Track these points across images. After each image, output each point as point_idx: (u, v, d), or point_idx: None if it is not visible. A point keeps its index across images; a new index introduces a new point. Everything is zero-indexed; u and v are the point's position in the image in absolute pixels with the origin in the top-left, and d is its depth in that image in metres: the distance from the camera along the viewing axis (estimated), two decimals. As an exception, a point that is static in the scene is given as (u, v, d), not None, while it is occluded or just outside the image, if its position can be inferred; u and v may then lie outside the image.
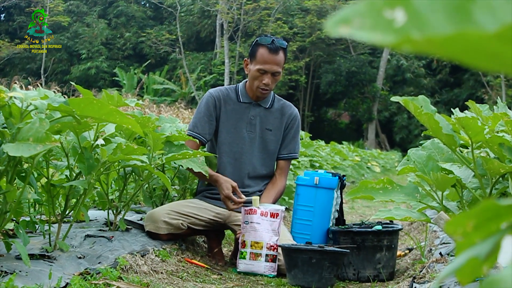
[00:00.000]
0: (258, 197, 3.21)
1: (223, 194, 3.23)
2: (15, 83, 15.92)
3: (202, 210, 3.32)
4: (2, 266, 2.05)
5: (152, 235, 3.16)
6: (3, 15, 36.73)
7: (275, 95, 3.55)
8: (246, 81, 3.48)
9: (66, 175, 2.69)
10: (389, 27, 0.43)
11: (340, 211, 3.48)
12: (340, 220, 3.46)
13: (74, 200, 2.70)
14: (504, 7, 0.42)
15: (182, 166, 3.43)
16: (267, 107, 3.46)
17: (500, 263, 1.73)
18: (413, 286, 2.46)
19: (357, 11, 0.44)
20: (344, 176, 3.51)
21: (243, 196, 3.25)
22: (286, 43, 3.37)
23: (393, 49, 0.44)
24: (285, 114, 3.49)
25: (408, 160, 2.81)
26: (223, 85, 30.12)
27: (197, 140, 3.33)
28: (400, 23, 0.43)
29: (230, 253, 3.65)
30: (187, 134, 3.35)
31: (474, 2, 0.42)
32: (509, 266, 0.46)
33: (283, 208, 3.19)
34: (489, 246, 0.49)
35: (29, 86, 13.29)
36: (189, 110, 20.08)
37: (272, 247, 3.11)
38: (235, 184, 3.25)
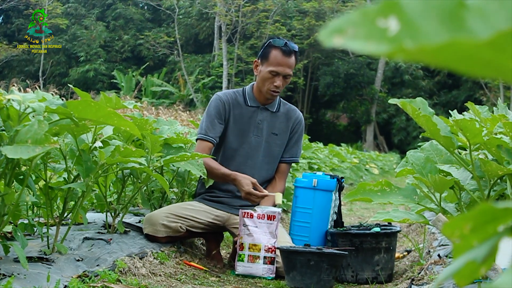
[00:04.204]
0: (281, 194, 3.21)
1: (244, 191, 3.17)
2: (13, 85, 15.91)
3: (201, 212, 3.31)
4: (0, 269, 2.05)
5: (151, 238, 3.16)
6: (1, 17, 36.72)
7: (281, 99, 3.54)
8: (253, 85, 3.45)
9: (64, 178, 2.69)
10: (383, 36, 0.43)
11: (339, 213, 3.48)
12: (338, 222, 3.46)
13: (72, 202, 2.70)
14: (497, 14, 0.42)
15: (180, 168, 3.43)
16: (274, 111, 3.45)
17: (497, 264, 1.74)
18: (412, 288, 2.46)
19: (350, 21, 0.44)
20: (342, 178, 3.51)
21: (264, 190, 3.20)
22: (297, 47, 3.37)
23: (388, 58, 0.44)
24: (291, 118, 3.49)
25: (407, 162, 2.81)
26: (221, 87, 29.63)
27: (210, 143, 3.31)
28: (394, 31, 0.43)
29: (228, 255, 3.64)
30: (200, 138, 3.33)
31: (467, 9, 0.42)
32: (506, 273, 0.46)
33: (279, 210, 3.19)
34: (486, 249, 0.49)
35: (27, 89, 13.27)
36: (187, 112, 20.07)
37: (270, 249, 3.11)
38: (254, 180, 3.19)
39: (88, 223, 3.16)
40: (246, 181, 3.18)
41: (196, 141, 3.38)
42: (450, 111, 2.75)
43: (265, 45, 3.34)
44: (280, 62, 3.25)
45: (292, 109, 3.53)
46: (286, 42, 3.27)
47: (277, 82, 3.27)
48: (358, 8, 0.45)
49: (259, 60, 3.34)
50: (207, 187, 3.43)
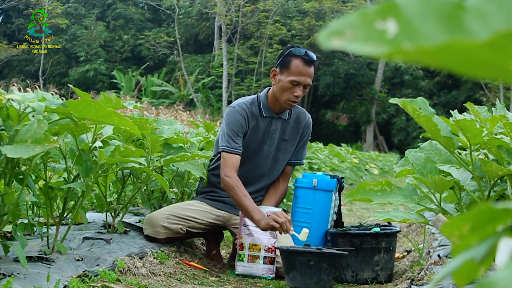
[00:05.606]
0: (308, 231, 3.07)
1: (263, 227, 3.01)
2: (13, 85, 15.90)
3: (202, 213, 3.31)
4: (0, 269, 2.05)
5: (150, 238, 3.16)
6: (1, 17, 36.71)
7: None
8: (268, 93, 3.35)
9: (64, 178, 2.69)
10: (381, 38, 0.43)
11: (339, 213, 3.48)
12: (338, 222, 3.46)
13: (72, 202, 2.70)
14: (496, 15, 0.42)
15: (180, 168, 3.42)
16: (286, 118, 3.38)
17: (497, 264, 1.74)
18: (411, 288, 2.46)
19: (349, 23, 0.44)
20: (342, 178, 3.51)
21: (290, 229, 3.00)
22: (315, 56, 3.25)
23: (387, 59, 0.44)
24: (301, 123, 3.43)
25: (405, 162, 2.81)
26: (221, 87, 29.43)
27: (239, 156, 3.21)
28: (392, 34, 0.43)
29: (228, 255, 3.64)
30: (227, 151, 3.19)
31: (466, 10, 0.42)
32: (505, 267, 0.46)
33: (279, 210, 3.19)
34: (485, 249, 0.50)
35: (27, 89, 13.27)
36: (188, 112, 20.07)
37: (270, 249, 3.11)
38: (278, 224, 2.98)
39: (88, 223, 3.16)
40: (266, 221, 3.00)
41: (220, 154, 3.24)
42: (450, 111, 2.76)
43: (285, 54, 3.22)
44: (301, 71, 3.15)
45: (302, 113, 3.46)
46: (306, 51, 3.16)
47: (298, 92, 3.17)
48: (358, 9, 0.46)
49: (278, 69, 3.23)
50: (207, 185, 3.42)
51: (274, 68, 3.27)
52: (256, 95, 3.41)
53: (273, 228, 2.96)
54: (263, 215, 3.02)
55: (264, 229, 2.99)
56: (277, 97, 3.26)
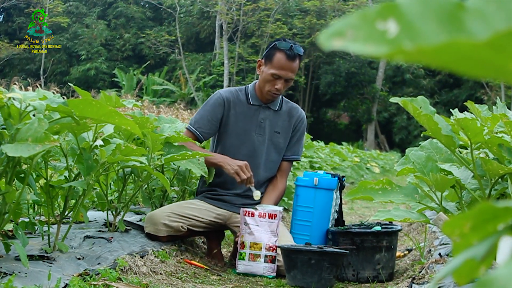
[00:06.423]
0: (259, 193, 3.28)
1: (232, 172, 3.21)
2: (14, 84, 15.91)
3: (203, 211, 3.31)
4: (1, 267, 2.05)
5: (152, 236, 3.16)
6: (2, 16, 36.72)
7: (283, 97, 3.53)
8: (256, 83, 3.45)
9: (65, 176, 2.69)
10: (382, 39, 0.43)
11: (340, 212, 3.48)
12: (339, 221, 3.46)
13: (73, 201, 2.70)
14: (496, 15, 0.42)
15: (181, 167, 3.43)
16: (276, 109, 3.44)
17: (498, 263, 1.74)
18: (412, 287, 2.46)
19: (350, 24, 0.44)
20: (343, 177, 3.51)
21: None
22: (303, 50, 3.33)
23: (387, 59, 0.44)
24: (293, 117, 3.48)
25: (406, 160, 2.81)
26: (222, 86, 29.63)
27: (195, 136, 3.34)
28: (393, 34, 0.43)
29: (229, 254, 3.65)
30: (187, 128, 3.37)
31: (466, 10, 0.43)
32: (504, 265, 0.46)
33: (280, 209, 3.19)
34: (486, 247, 0.50)
35: (28, 87, 13.28)
36: (189, 111, 20.08)
37: (271, 248, 3.11)
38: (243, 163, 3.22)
39: (89, 221, 3.16)
40: (232, 165, 3.21)
41: (184, 130, 3.41)
42: (451, 110, 2.76)
43: (270, 46, 3.30)
44: (283, 66, 3.22)
45: (294, 107, 3.52)
46: (291, 46, 3.22)
47: (278, 85, 3.26)
48: (359, 7, 0.46)
49: (263, 60, 3.33)
50: (207, 184, 3.43)
51: (259, 59, 3.38)
52: (245, 86, 3.53)
53: (237, 176, 3.17)
54: (225, 158, 3.26)
55: (231, 173, 3.19)
56: (260, 88, 3.36)
